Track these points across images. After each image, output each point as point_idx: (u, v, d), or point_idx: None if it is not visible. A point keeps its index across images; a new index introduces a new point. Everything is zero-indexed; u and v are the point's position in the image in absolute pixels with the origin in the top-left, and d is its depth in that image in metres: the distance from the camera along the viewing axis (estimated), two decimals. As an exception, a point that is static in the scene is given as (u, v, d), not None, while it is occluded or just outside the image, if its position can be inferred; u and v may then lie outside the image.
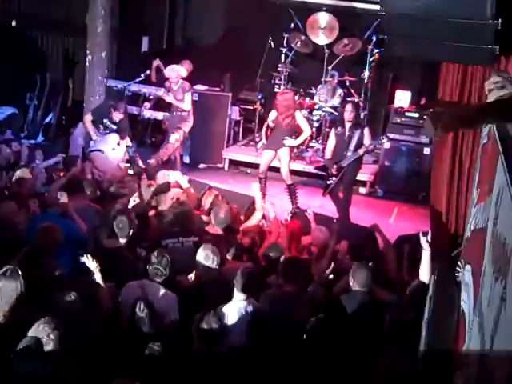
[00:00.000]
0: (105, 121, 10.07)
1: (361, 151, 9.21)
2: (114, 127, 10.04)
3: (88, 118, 10.24)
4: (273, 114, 9.58)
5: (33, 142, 11.67)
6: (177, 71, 10.28)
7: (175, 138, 10.32)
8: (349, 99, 11.47)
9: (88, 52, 11.33)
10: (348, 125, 9.33)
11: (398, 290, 6.02)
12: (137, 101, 11.59)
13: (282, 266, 5.94)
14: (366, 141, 9.26)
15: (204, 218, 7.87)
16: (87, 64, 11.35)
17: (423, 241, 5.82)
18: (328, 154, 9.62)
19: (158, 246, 6.48)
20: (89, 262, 5.46)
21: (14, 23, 12.19)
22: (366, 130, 9.35)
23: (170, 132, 10.48)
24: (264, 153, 9.76)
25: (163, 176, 9.06)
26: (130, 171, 9.68)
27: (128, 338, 5.09)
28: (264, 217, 8.69)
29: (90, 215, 7.15)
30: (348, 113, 9.31)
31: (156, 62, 11.61)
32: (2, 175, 8.48)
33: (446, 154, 6.25)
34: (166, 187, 8.51)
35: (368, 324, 5.28)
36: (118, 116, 10.04)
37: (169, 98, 10.31)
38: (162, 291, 5.49)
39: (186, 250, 6.70)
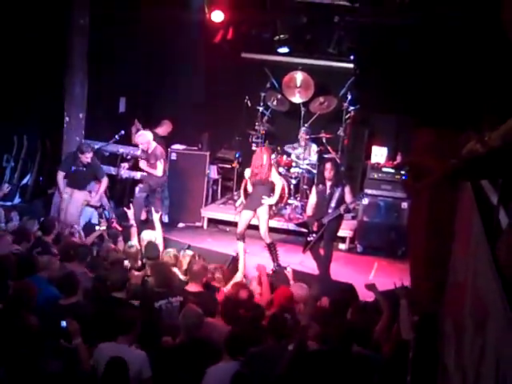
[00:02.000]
0: (74, 167, 10.11)
1: (342, 209, 9.25)
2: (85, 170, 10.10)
3: (60, 175, 10.25)
4: (248, 172, 9.63)
5: (9, 203, 11.56)
6: (145, 138, 10.24)
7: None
8: (326, 156, 11.57)
9: (65, 113, 11.35)
10: (329, 183, 9.38)
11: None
12: (114, 161, 11.59)
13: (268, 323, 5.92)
14: (348, 198, 9.31)
15: (182, 277, 7.85)
16: (65, 125, 11.36)
17: (401, 295, 5.82)
18: (309, 211, 9.65)
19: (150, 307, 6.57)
20: (71, 325, 5.40)
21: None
22: (347, 188, 9.41)
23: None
24: (242, 213, 9.74)
25: (149, 236, 9.04)
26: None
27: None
28: (245, 276, 8.68)
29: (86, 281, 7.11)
30: (328, 171, 9.38)
31: (136, 125, 11.64)
32: None
33: (423, 205, 6.26)
34: (156, 249, 8.48)
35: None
36: (87, 157, 10.05)
37: (142, 165, 10.34)
38: (133, 350, 5.49)
39: (175, 309, 6.75)
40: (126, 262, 8.10)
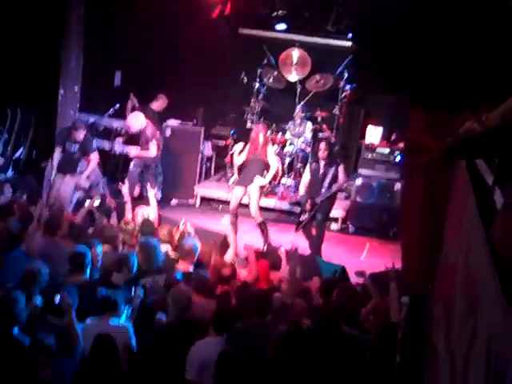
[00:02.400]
0: (67, 144, 9.92)
1: (334, 188, 9.22)
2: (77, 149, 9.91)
3: (57, 151, 10.03)
4: (239, 146, 9.60)
5: (3, 176, 11.49)
6: (138, 122, 10.19)
7: None
8: (321, 135, 11.52)
9: (60, 86, 11.24)
10: (323, 162, 9.34)
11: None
12: (108, 135, 11.50)
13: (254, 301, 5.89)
14: (341, 178, 9.28)
15: (172, 254, 7.78)
16: (59, 98, 11.25)
17: (391, 277, 5.80)
18: (302, 190, 9.60)
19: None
20: (65, 300, 5.37)
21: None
22: (341, 168, 9.37)
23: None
24: (234, 189, 9.68)
25: (142, 213, 8.95)
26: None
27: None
28: (236, 254, 8.64)
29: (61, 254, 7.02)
30: (321, 151, 9.34)
31: (131, 100, 11.55)
32: None
33: (418, 186, 6.22)
34: (151, 226, 8.40)
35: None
36: (80, 134, 9.86)
37: (134, 152, 10.27)
38: (117, 324, 5.52)
39: (159, 288, 6.69)
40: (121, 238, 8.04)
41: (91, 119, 11.00)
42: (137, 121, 10.10)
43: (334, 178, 9.27)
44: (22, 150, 12.39)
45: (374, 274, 7.59)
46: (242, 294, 6.50)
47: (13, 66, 11.68)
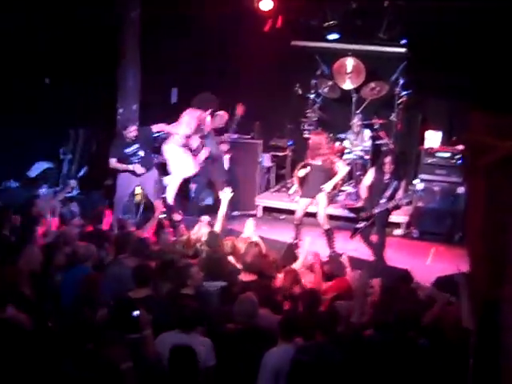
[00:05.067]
0: (127, 151, 10.01)
1: (391, 205, 9.21)
2: (137, 148, 10.02)
3: (112, 160, 10.13)
4: (303, 172, 9.80)
5: (69, 195, 11.79)
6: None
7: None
8: (381, 143, 11.53)
9: (118, 105, 11.48)
10: (387, 174, 9.32)
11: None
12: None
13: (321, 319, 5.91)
14: (399, 194, 9.25)
15: (238, 265, 7.86)
16: (118, 116, 11.49)
17: (460, 282, 5.76)
18: (363, 193, 9.60)
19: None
20: (142, 316, 5.39)
21: (47, 81, 12.43)
22: (403, 183, 9.35)
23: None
24: (300, 201, 9.79)
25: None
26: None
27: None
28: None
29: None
30: (387, 165, 9.28)
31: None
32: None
33: (478, 188, 6.16)
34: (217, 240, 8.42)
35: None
36: (131, 130, 9.96)
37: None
38: (197, 337, 5.50)
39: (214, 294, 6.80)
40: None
41: (153, 133, 11.14)
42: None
43: (395, 192, 9.24)
44: (85, 169, 12.70)
45: (441, 278, 7.58)
46: (309, 304, 6.52)
47: (73, 87, 11.98)
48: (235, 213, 11.74)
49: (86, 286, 6.11)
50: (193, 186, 11.26)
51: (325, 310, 6.23)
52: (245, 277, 7.27)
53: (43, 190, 11.33)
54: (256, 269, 7.34)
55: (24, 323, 5.38)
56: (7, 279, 5.95)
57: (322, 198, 9.52)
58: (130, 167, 10.00)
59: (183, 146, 10.32)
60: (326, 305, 6.70)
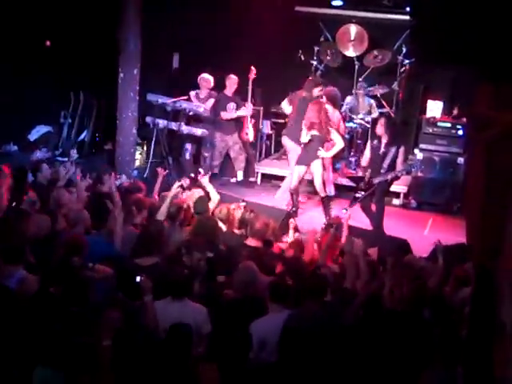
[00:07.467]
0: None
1: (389, 177, 9.18)
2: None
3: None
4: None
5: (67, 159, 11.76)
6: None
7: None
8: (380, 110, 11.48)
9: (120, 69, 11.40)
10: (384, 140, 9.27)
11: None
12: (176, 117, 11.57)
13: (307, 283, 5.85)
14: (398, 165, 9.20)
15: (236, 231, 7.86)
16: (119, 81, 11.43)
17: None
18: (364, 162, 9.61)
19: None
20: (144, 282, 5.35)
21: (48, 43, 12.36)
22: (401, 150, 9.27)
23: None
24: (296, 168, 9.76)
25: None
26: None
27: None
28: (297, 229, 8.67)
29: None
30: (379, 126, 9.30)
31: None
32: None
33: (479, 160, 6.15)
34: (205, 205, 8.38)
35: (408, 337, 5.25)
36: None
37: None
38: (194, 305, 5.51)
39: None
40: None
41: (160, 100, 11.09)
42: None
43: (394, 160, 9.20)
44: (85, 133, 12.67)
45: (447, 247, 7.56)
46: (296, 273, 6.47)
47: (73, 51, 11.92)
48: (234, 179, 11.74)
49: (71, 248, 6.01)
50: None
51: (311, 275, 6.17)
52: (251, 242, 7.30)
53: (40, 153, 11.35)
54: (262, 236, 7.36)
55: (33, 285, 5.40)
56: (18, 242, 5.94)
57: (317, 165, 9.51)
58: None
59: None
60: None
